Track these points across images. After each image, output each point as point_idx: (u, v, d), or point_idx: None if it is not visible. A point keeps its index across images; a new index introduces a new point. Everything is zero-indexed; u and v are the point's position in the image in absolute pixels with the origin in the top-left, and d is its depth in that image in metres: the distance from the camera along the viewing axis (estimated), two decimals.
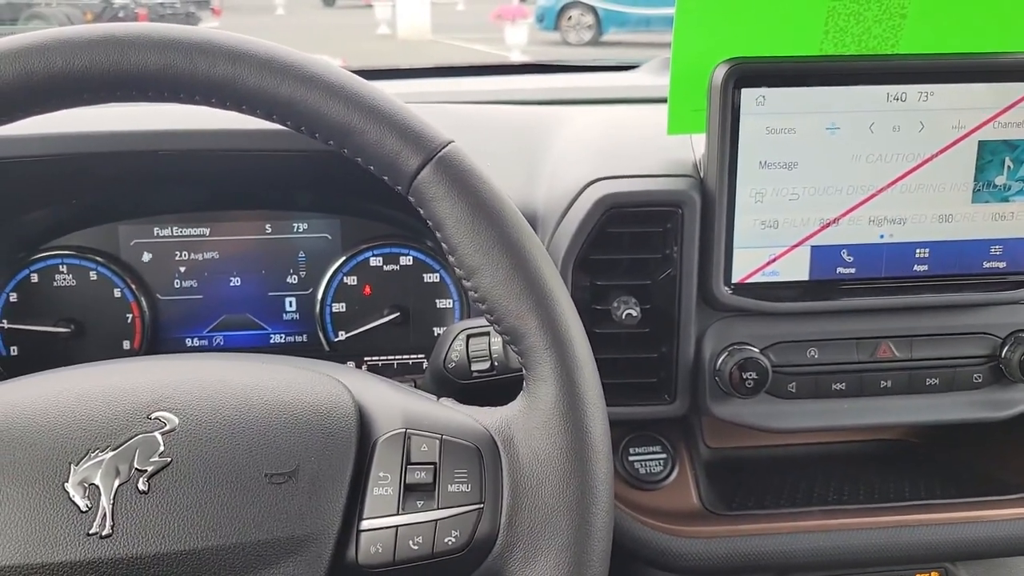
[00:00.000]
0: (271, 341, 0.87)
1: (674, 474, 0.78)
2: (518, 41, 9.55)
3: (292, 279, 0.86)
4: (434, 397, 0.57)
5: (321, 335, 0.87)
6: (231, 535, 0.46)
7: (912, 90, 0.69)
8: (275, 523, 0.47)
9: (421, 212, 0.52)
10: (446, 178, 0.51)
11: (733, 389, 0.70)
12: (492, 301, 0.51)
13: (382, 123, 0.51)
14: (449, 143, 0.52)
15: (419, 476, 0.50)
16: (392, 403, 0.54)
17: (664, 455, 0.78)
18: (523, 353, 0.52)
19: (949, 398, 0.74)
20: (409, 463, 0.51)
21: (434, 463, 0.51)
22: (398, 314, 0.86)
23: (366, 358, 0.87)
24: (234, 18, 13.17)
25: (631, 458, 0.77)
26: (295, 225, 0.85)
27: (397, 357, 0.87)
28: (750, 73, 0.67)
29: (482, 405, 0.55)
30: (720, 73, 0.67)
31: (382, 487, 0.50)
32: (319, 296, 0.86)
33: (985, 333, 0.74)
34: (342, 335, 0.87)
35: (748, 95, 0.68)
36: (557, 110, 0.87)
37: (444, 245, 0.52)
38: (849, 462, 0.85)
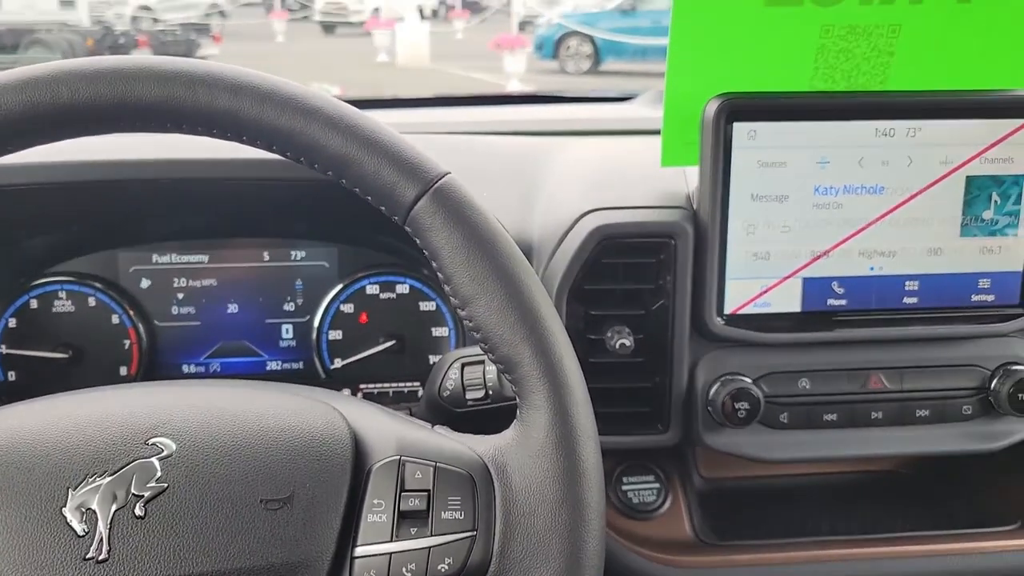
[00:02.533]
0: (268, 368, 0.88)
1: (667, 504, 0.78)
2: (517, 70, 9.64)
3: (289, 306, 0.87)
4: (428, 425, 0.57)
5: (317, 362, 0.87)
6: (226, 560, 0.47)
7: (900, 125, 0.70)
8: (270, 549, 0.47)
9: (417, 242, 0.54)
10: (442, 209, 0.52)
11: (726, 419, 0.71)
12: (486, 330, 0.52)
13: (379, 154, 0.52)
14: (446, 175, 0.53)
15: (413, 503, 0.50)
16: (387, 430, 0.54)
17: (657, 485, 0.78)
18: (517, 382, 0.53)
19: (939, 430, 0.74)
20: (403, 490, 0.51)
21: (428, 490, 0.51)
22: (394, 342, 0.86)
23: (362, 385, 0.88)
24: (234, 45, 13.28)
25: (624, 487, 0.77)
26: (293, 253, 0.86)
27: (393, 385, 0.88)
28: (742, 108, 0.69)
29: (477, 433, 0.55)
30: (712, 107, 0.68)
31: (376, 514, 0.50)
32: (316, 324, 0.87)
33: (974, 365, 0.74)
34: (338, 363, 0.87)
35: (740, 129, 0.69)
36: (552, 141, 0.88)
37: (440, 275, 0.53)
38: (841, 494, 0.86)
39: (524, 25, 12.99)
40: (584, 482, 0.51)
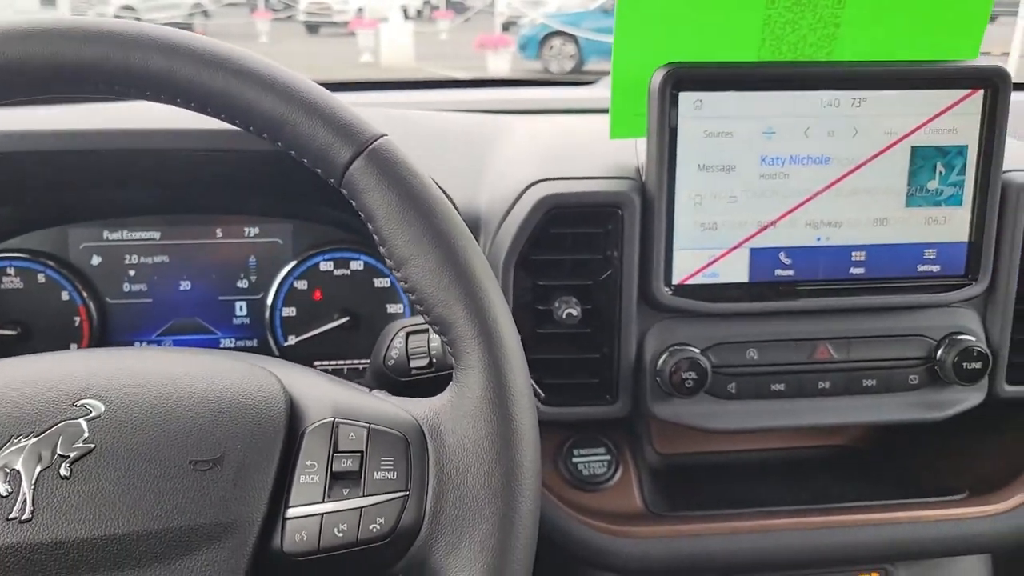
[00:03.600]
0: (221, 346, 0.87)
1: (617, 475, 0.78)
2: (500, 69, 9.64)
3: (243, 283, 0.86)
4: (367, 389, 0.57)
5: (271, 339, 0.87)
6: (153, 521, 0.46)
7: (845, 96, 0.71)
8: (198, 509, 0.47)
9: (353, 204, 0.53)
10: (377, 170, 0.52)
11: (674, 389, 0.71)
12: (421, 291, 0.52)
13: (315, 115, 0.52)
14: (381, 136, 0.53)
15: (345, 464, 0.50)
16: (323, 394, 0.54)
17: (608, 457, 0.78)
18: (451, 343, 0.53)
19: (886, 399, 0.75)
20: (336, 451, 0.51)
21: (361, 452, 0.51)
22: (348, 319, 0.86)
23: (316, 363, 0.87)
24: None
25: (574, 459, 0.77)
26: (246, 229, 0.86)
27: (347, 362, 0.88)
28: (688, 77, 0.69)
29: None
30: (658, 77, 0.69)
31: (309, 475, 0.50)
32: (269, 301, 0.86)
33: (920, 335, 0.75)
34: (292, 340, 0.87)
35: (686, 99, 0.69)
36: (509, 118, 0.88)
37: (376, 237, 0.53)
38: (795, 468, 0.86)
39: (508, 25, 12.99)
40: (518, 442, 0.51)
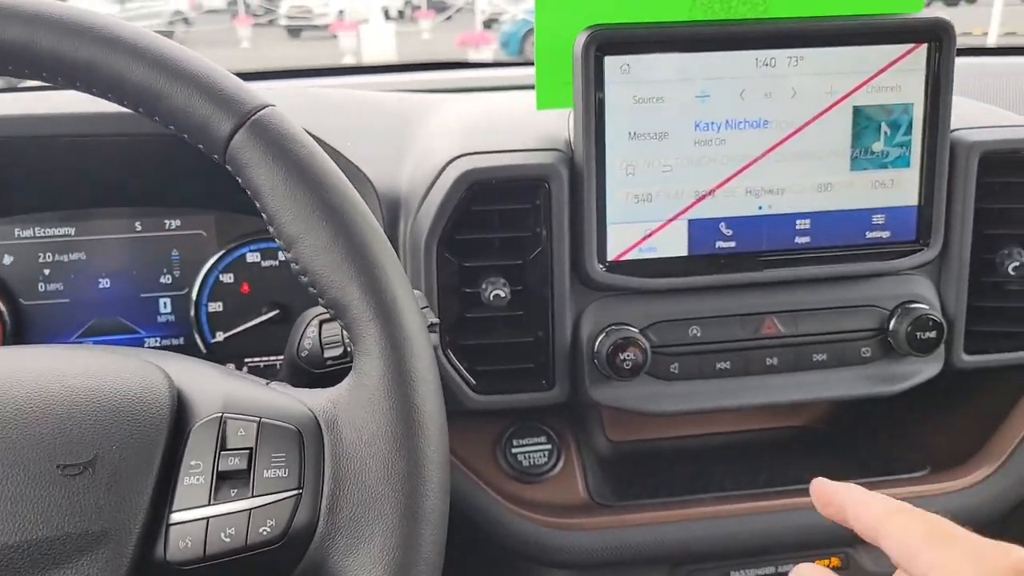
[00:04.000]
0: (145, 345, 0.83)
1: (560, 465, 0.74)
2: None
3: (166, 279, 0.82)
4: (263, 381, 0.53)
5: (198, 337, 0.82)
6: (15, 532, 0.42)
7: (781, 55, 0.67)
8: (66, 518, 0.43)
9: (239, 181, 0.50)
10: (261, 142, 0.48)
11: (612, 372, 0.67)
12: (313, 272, 0.49)
13: (191, 85, 0.48)
14: (266, 106, 0.50)
15: (233, 463, 0.46)
16: (213, 388, 0.50)
17: (549, 446, 0.74)
18: (348, 326, 0.49)
19: (837, 374, 0.71)
20: (224, 449, 0.47)
21: (250, 448, 0.47)
22: (278, 311, 0.82)
23: (246, 359, 0.83)
24: (196, 51, 13.08)
25: (514, 450, 0.74)
26: (167, 222, 0.82)
27: (279, 357, 0.83)
28: (613, 40, 0.65)
29: None
30: (581, 40, 0.65)
31: (193, 476, 0.46)
32: (194, 296, 0.82)
33: (872, 305, 0.71)
34: (220, 336, 0.83)
35: (612, 63, 0.65)
36: (440, 97, 0.84)
37: (263, 215, 0.49)
38: (752, 451, 0.82)
39: (490, 23, 12.94)
40: (420, 431, 0.47)
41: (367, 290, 0.48)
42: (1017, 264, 0.70)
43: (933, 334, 0.69)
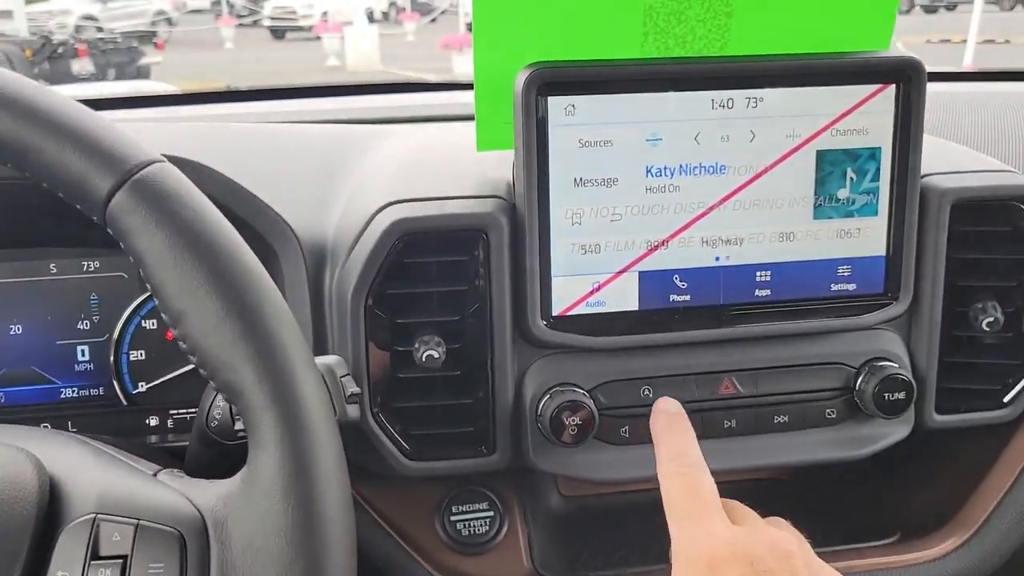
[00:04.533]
0: (62, 396, 0.77)
1: (503, 534, 0.69)
2: (467, 70, 9.54)
3: (83, 325, 0.76)
4: (152, 469, 0.48)
5: (118, 387, 0.77)
6: None
7: (739, 96, 0.62)
8: None
9: (122, 247, 0.44)
10: (143, 204, 0.43)
11: (555, 437, 0.62)
12: (202, 352, 0.43)
13: (64, 138, 0.43)
14: (152, 162, 0.45)
15: (104, 575, 0.41)
16: (89, 481, 0.45)
17: (491, 512, 0.69)
18: (241, 414, 0.44)
19: (800, 437, 0.66)
20: (95, 558, 0.41)
21: (125, 556, 0.42)
22: None
23: (172, 412, 0.77)
24: (179, 53, 12.99)
25: (453, 518, 0.68)
26: (84, 263, 0.76)
27: None
28: (556, 79, 0.60)
29: None
30: (522, 79, 0.59)
31: None
32: (114, 343, 0.76)
33: (837, 363, 0.66)
34: (142, 386, 0.77)
35: (556, 104, 0.60)
36: (381, 129, 0.78)
37: (148, 286, 0.44)
38: None
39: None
40: (320, 538, 0.42)
41: (262, 374, 0.43)
42: (991, 320, 0.66)
43: (902, 395, 0.65)
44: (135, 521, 0.42)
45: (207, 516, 0.43)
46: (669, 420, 0.59)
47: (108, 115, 0.93)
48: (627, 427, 0.64)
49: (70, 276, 0.76)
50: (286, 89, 0.97)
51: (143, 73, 9.79)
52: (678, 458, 0.56)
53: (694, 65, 0.62)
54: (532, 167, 0.60)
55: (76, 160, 0.43)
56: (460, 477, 0.69)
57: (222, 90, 0.95)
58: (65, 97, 0.45)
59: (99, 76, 9.26)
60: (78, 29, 12.78)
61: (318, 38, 13.75)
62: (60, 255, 0.75)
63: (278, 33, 16.53)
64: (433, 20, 15.57)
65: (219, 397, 0.58)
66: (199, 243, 0.43)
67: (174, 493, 0.44)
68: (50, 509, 0.43)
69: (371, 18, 14.80)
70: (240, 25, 16.01)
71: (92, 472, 0.45)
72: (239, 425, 0.57)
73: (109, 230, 0.45)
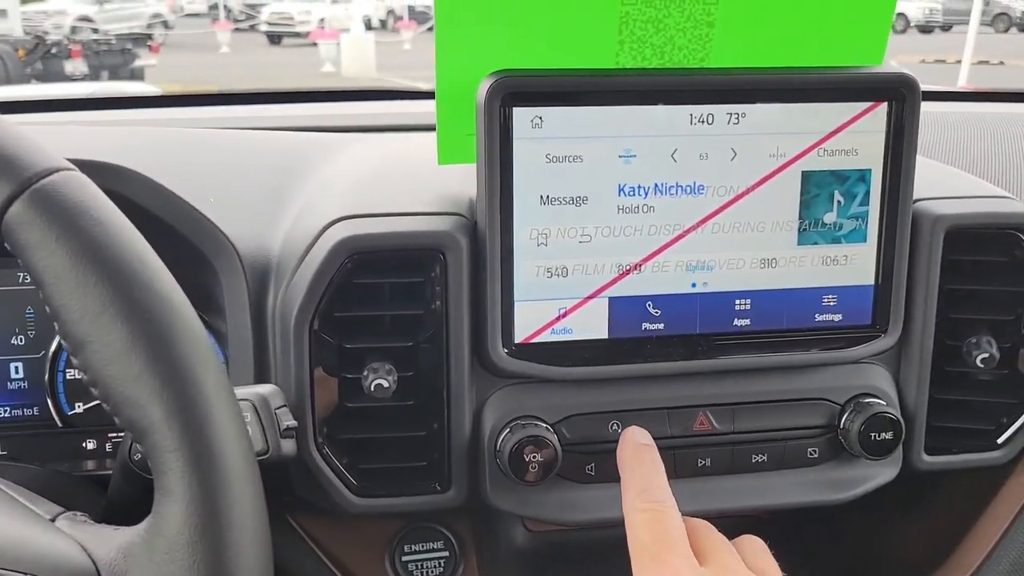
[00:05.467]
0: None
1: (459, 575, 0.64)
2: None
3: (18, 340, 0.71)
4: (52, 513, 0.43)
5: (52, 407, 0.72)
6: None
7: (720, 111, 0.58)
8: None
9: (20, 264, 0.40)
10: (43, 218, 0.39)
11: (515, 474, 0.57)
12: (105, 386, 0.39)
13: None
14: (56, 170, 0.40)
15: None
16: None
17: (446, 553, 0.64)
18: (148, 455, 0.39)
19: (779, 478, 0.61)
20: None
21: None
22: None
23: (111, 435, 0.72)
24: (175, 56, 12.95)
25: (404, 558, 0.63)
26: (20, 275, 0.71)
27: None
28: (522, 89, 0.55)
29: None
30: (485, 88, 0.55)
31: None
32: (50, 360, 0.71)
33: (821, 399, 0.62)
34: (79, 407, 0.72)
35: (522, 115, 0.56)
36: (339, 138, 0.73)
37: (47, 309, 0.39)
38: None
39: None
40: None
41: (170, 410, 0.38)
42: (986, 355, 0.61)
43: (890, 435, 0.60)
44: (22, 575, 0.38)
45: (103, 570, 0.38)
46: (637, 451, 0.55)
47: (67, 116, 0.87)
48: (593, 464, 0.60)
49: (3, 288, 0.71)
50: (246, 94, 0.92)
51: (137, 75, 9.75)
52: (645, 492, 0.52)
53: (672, 77, 0.58)
54: (495, 183, 0.56)
55: None
56: (413, 514, 0.64)
57: (177, 94, 0.90)
58: None
59: (92, 77, 9.22)
60: (74, 30, 12.74)
61: (314, 44, 13.73)
62: None
63: (274, 39, 16.52)
64: (429, 29, 15.57)
65: None
66: (104, 262, 0.39)
67: (71, 544, 0.40)
68: None
69: (368, 26, 14.81)
70: (236, 30, 16.00)
71: None
72: None
73: (6, 244, 0.40)
